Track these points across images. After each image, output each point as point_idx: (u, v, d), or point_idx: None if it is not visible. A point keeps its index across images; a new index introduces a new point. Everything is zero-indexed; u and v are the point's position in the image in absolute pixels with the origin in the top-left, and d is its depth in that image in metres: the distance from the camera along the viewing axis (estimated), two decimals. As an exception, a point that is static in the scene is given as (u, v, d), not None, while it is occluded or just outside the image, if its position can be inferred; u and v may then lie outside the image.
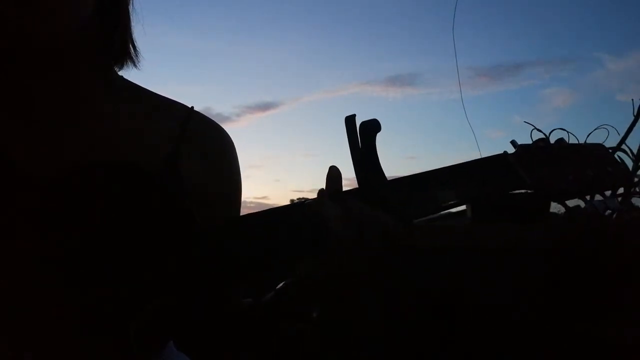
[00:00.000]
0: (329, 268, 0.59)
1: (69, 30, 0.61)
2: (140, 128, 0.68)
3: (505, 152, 0.69)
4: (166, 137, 0.68)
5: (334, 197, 0.59)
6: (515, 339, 1.33)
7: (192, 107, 0.74)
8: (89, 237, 0.56)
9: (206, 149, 0.72)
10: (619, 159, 0.72)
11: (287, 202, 0.62)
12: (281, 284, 0.66)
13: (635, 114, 1.51)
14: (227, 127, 0.77)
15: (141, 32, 0.72)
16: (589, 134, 0.70)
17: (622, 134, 1.49)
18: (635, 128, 1.50)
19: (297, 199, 0.61)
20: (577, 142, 0.70)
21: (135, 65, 0.72)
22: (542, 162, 0.67)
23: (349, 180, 0.63)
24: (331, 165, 0.62)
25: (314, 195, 0.61)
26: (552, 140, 0.69)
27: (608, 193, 0.71)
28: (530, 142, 0.71)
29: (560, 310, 1.32)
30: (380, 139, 0.64)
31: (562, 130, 0.68)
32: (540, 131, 0.66)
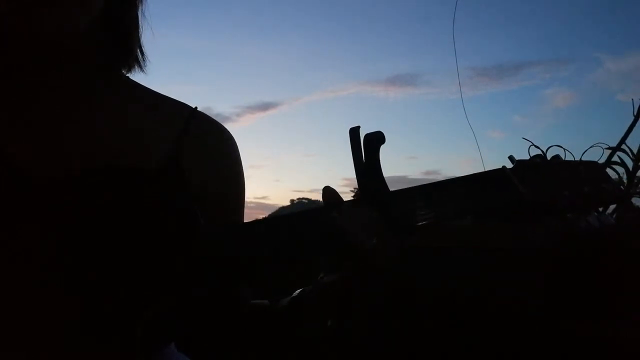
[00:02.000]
0: (348, 274, 0.61)
1: (76, 30, 0.61)
2: (143, 128, 0.68)
3: (503, 167, 0.70)
4: (169, 137, 0.69)
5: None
6: (515, 338, 1.34)
7: (196, 107, 0.75)
8: (90, 238, 0.56)
9: (209, 150, 0.72)
10: (619, 159, 0.73)
11: (287, 203, 0.63)
12: (298, 292, 0.67)
13: (635, 114, 1.51)
14: (228, 127, 0.78)
15: (150, 37, 0.73)
16: (584, 152, 0.70)
17: (621, 134, 1.50)
18: (635, 128, 1.51)
19: (297, 199, 0.62)
20: (572, 159, 0.71)
21: (142, 70, 0.73)
22: (539, 177, 0.68)
23: (348, 180, 0.64)
24: (325, 186, 0.62)
25: (313, 195, 0.62)
26: (549, 156, 0.70)
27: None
28: (528, 157, 0.72)
29: (560, 310, 1.33)
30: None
31: (558, 147, 0.69)
32: (537, 147, 0.67)
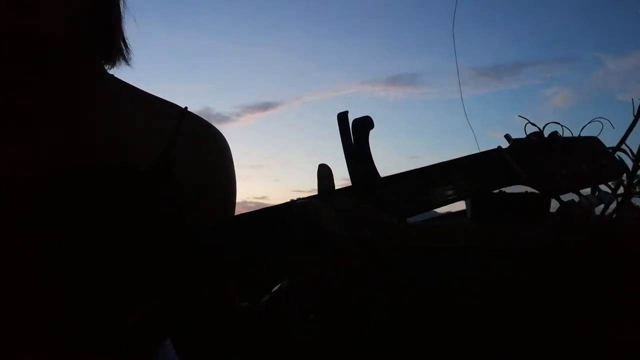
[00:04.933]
0: (327, 267, 0.59)
1: (61, 26, 0.60)
2: (133, 129, 0.68)
3: (499, 147, 0.69)
4: (159, 138, 0.68)
5: (326, 197, 0.59)
6: (515, 338, 1.33)
7: (186, 108, 0.74)
8: (79, 238, 0.56)
9: (199, 150, 0.71)
10: (618, 159, 0.72)
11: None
12: (277, 287, 0.66)
13: (635, 114, 1.51)
14: (227, 127, 0.78)
15: (150, 36, 0.72)
16: (583, 127, 0.69)
17: (622, 134, 1.49)
18: (635, 128, 1.50)
19: (297, 198, 0.60)
20: (571, 135, 0.70)
21: (127, 62, 0.72)
22: (536, 157, 0.67)
23: (348, 180, 0.63)
24: (320, 163, 0.61)
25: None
26: (546, 134, 0.69)
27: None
28: (525, 136, 0.71)
29: (560, 310, 1.32)
30: (381, 139, 0.64)
31: (556, 124, 0.68)
32: (534, 125, 0.66)
